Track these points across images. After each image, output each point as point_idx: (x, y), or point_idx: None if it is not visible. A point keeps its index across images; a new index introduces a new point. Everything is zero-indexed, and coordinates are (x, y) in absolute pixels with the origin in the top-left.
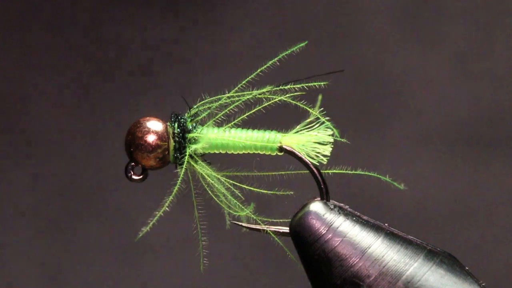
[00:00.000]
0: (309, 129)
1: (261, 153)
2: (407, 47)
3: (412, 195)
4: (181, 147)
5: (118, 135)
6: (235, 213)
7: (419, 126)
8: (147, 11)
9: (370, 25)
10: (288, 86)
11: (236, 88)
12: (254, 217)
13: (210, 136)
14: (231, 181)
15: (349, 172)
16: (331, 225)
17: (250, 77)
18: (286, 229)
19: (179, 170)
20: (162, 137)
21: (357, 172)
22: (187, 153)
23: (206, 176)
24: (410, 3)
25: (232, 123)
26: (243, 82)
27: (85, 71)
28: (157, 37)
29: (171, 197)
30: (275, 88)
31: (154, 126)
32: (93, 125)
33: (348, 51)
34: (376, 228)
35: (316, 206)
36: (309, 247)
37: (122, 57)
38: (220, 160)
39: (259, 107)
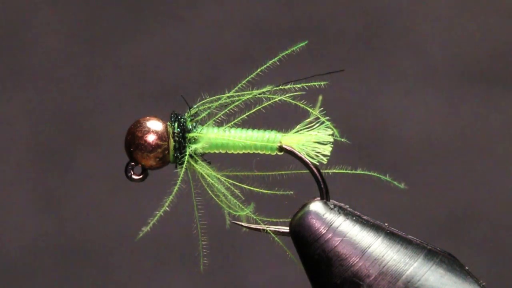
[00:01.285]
0: (309, 129)
1: (261, 152)
2: None
3: (417, 131)
4: (181, 147)
5: (121, 67)
6: (235, 213)
7: (425, 60)
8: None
9: None
10: (288, 86)
11: (236, 88)
12: (254, 217)
13: (210, 136)
14: (231, 181)
15: (349, 172)
16: (331, 224)
17: (250, 77)
18: (286, 229)
19: (179, 170)
20: (162, 136)
21: (357, 172)
22: (187, 153)
23: (206, 176)
24: None
25: (232, 122)
26: (243, 82)
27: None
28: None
29: (171, 197)
30: (275, 88)
31: (154, 125)
32: (91, 53)
33: None
34: (376, 227)
35: (316, 206)
36: (309, 246)
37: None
38: (220, 160)
39: (259, 107)
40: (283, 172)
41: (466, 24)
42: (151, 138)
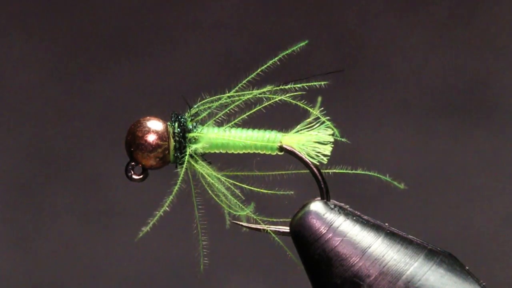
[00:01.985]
0: (309, 129)
1: (261, 152)
2: (387, 14)
3: (389, 163)
4: (181, 147)
5: (94, 103)
6: (235, 213)
7: (398, 94)
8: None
9: None
10: (288, 86)
11: (237, 88)
12: (254, 217)
13: (210, 136)
14: (231, 181)
15: (349, 172)
16: (331, 224)
17: (250, 77)
18: (286, 229)
19: (179, 169)
20: (162, 136)
21: (357, 171)
22: (187, 153)
23: (206, 176)
24: None
25: (233, 122)
26: (244, 82)
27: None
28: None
29: (171, 197)
30: (275, 88)
31: (154, 125)
32: (64, 89)
33: (327, 16)
34: (376, 227)
35: (316, 206)
36: (309, 246)
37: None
38: (220, 159)
39: (259, 107)
40: (283, 172)
41: (438, 58)
42: (151, 138)
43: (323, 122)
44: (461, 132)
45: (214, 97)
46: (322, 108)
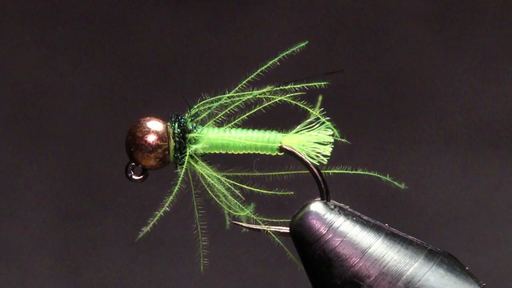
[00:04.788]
0: (310, 129)
1: (261, 153)
2: (434, 47)
3: (435, 196)
4: (181, 147)
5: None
6: (235, 213)
7: (444, 127)
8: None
9: (399, 25)
10: (288, 86)
11: (237, 88)
12: (254, 217)
13: (210, 136)
14: (231, 181)
15: (349, 172)
16: (331, 225)
17: (250, 77)
18: (286, 229)
19: (179, 170)
20: (163, 137)
21: (357, 172)
22: (187, 153)
23: (206, 176)
24: (441, 2)
25: (233, 123)
26: (244, 82)
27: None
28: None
29: (171, 197)
30: (275, 88)
31: (155, 126)
32: (112, 119)
33: (376, 51)
34: (376, 228)
35: (316, 206)
36: (309, 247)
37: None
38: (220, 160)
39: (259, 107)
40: (283, 173)
41: (485, 90)
42: (151, 138)
43: (323, 122)
44: (509, 165)
45: (214, 98)
46: (322, 109)
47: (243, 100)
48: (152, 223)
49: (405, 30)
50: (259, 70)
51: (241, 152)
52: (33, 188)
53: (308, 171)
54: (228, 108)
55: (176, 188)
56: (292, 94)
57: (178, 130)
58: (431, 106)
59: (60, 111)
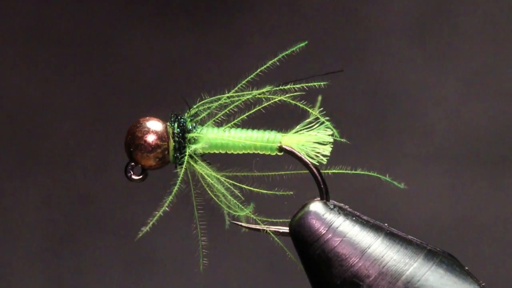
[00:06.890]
0: (309, 129)
1: (261, 153)
2: (421, 63)
3: (423, 212)
4: (180, 147)
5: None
6: (234, 213)
7: (431, 143)
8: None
9: (384, 41)
10: (288, 86)
11: (236, 88)
12: (254, 217)
13: (210, 136)
14: (231, 181)
15: (349, 172)
16: (331, 225)
17: (250, 77)
18: (286, 229)
19: (178, 170)
20: (162, 137)
21: (357, 172)
22: (187, 153)
23: (206, 176)
24: (425, 20)
25: (232, 123)
26: (243, 82)
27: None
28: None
29: (171, 197)
30: (275, 88)
31: (154, 126)
32: (103, 137)
33: (362, 66)
34: (376, 228)
35: (316, 206)
36: (309, 247)
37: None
38: (220, 160)
39: (259, 107)
40: (283, 173)
41: (471, 107)
42: (151, 138)
43: (323, 122)
44: (495, 180)
45: (214, 98)
46: (322, 109)
47: (243, 100)
48: (151, 223)
49: (390, 46)
50: (259, 70)
51: (240, 152)
52: (23, 209)
53: (307, 171)
54: (228, 108)
55: (176, 188)
56: (291, 94)
57: (178, 130)
58: (417, 122)
59: (49, 132)
